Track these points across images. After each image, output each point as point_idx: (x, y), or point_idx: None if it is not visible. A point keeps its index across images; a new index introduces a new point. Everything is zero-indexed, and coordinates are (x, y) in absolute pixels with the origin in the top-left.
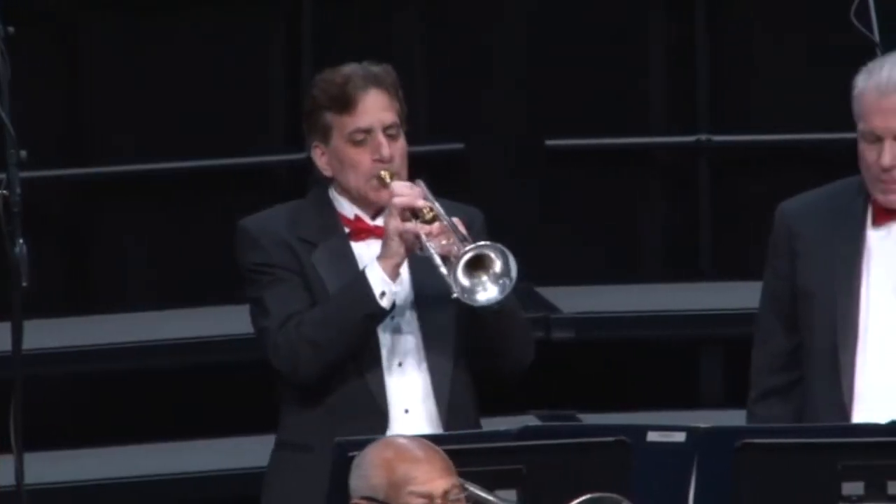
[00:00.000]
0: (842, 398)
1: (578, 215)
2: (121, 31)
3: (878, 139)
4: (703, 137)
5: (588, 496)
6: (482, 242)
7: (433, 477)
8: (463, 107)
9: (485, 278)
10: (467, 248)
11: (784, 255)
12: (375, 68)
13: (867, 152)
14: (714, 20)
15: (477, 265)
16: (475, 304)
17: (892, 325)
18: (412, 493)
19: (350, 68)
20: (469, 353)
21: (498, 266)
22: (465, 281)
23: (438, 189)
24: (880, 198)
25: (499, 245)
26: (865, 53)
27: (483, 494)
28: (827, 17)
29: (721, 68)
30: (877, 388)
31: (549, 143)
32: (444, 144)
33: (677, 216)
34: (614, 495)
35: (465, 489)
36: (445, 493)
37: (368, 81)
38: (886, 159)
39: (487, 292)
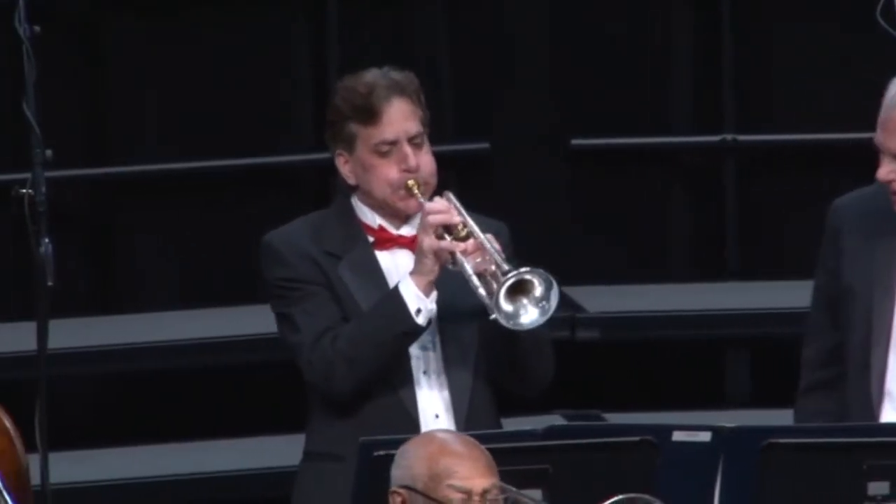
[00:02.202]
0: (870, 396)
1: (604, 215)
2: (143, 30)
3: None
4: (729, 137)
5: (622, 496)
6: (525, 268)
7: (474, 474)
8: (488, 106)
9: (525, 301)
10: (511, 273)
11: (832, 251)
12: (397, 75)
13: (880, 160)
14: (739, 19)
15: (517, 289)
16: (519, 329)
17: None
18: (451, 487)
19: (372, 76)
20: (491, 369)
21: (539, 290)
22: (507, 306)
23: (464, 189)
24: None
25: (541, 270)
26: (891, 53)
27: (524, 498)
28: (852, 17)
29: (746, 68)
30: None
31: (575, 142)
32: (470, 144)
33: (703, 216)
34: (647, 497)
35: (505, 491)
36: (484, 492)
37: (392, 91)
38: (881, 173)
39: (529, 315)
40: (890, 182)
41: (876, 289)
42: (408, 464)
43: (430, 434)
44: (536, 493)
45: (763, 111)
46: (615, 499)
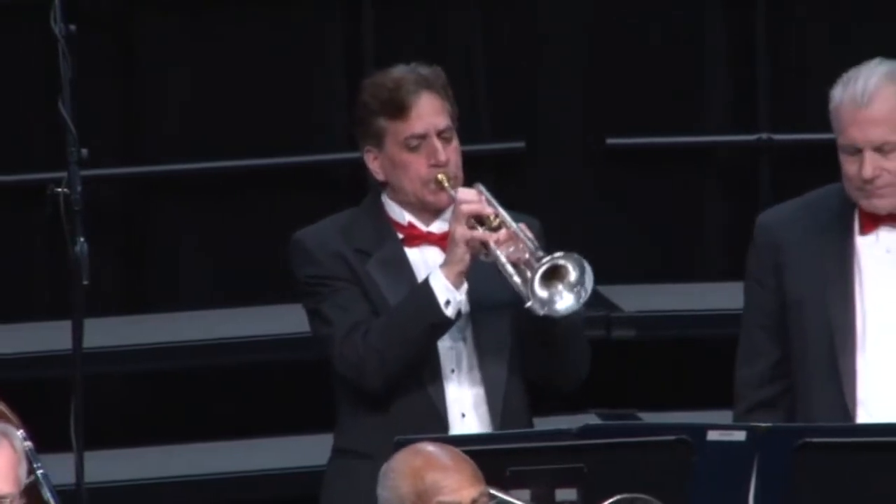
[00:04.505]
0: (844, 403)
1: (639, 214)
2: (177, 29)
3: (857, 151)
4: (764, 136)
5: (619, 496)
6: (558, 253)
7: (462, 485)
8: (524, 105)
9: (560, 287)
10: (545, 259)
11: (769, 268)
12: (425, 70)
13: (848, 164)
14: (774, 18)
15: (552, 275)
16: (554, 315)
17: (890, 329)
18: (441, 503)
19: (400, 72)
20: (527, 363)
21: (573, 275)
22: (542, 292)
23: (500, 188)
24: (864, 203)
25: (575, 254)
26: None
27: (509, 499)
28: (888, 16)
29: (781, 67)
30: (880, 392)
31: (610, 141)
32: (506, 143)
33: (738, 215)
34: (646, 497)
35: (493, 496)
36: (473, 502)
37: (420, 85)
38: (868, 171)
39: (564, 301)
40: (876, 177)
41: (832, 298)
42: (393, 484)
43: (413, 449)
44: (572, 492)
45: (798, 110)
46: (616, 498)
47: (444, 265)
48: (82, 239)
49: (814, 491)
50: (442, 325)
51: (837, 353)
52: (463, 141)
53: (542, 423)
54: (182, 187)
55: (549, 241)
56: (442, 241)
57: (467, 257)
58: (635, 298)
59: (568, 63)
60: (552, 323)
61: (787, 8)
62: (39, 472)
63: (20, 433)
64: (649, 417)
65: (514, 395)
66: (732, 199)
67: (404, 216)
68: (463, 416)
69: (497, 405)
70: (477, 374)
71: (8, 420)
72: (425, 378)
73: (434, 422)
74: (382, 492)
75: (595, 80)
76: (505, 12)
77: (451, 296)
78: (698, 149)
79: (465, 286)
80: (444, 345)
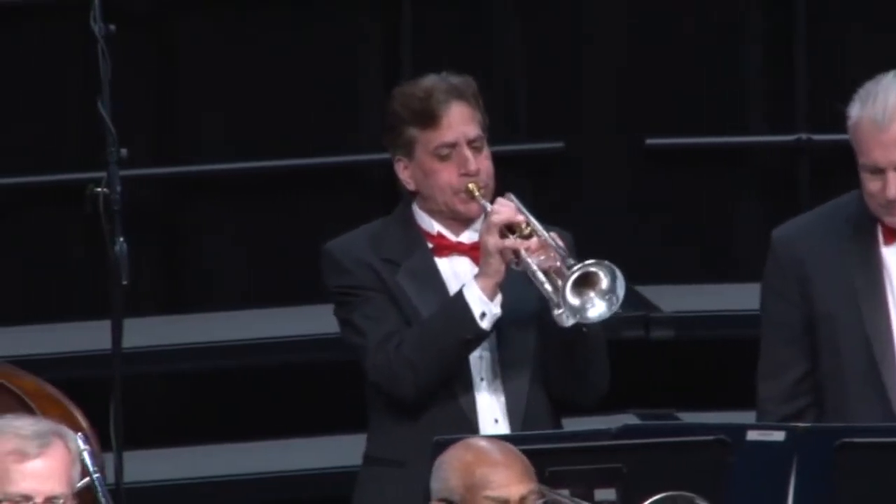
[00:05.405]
0: (893, 413)
1: (678, 214)
2: (215, 30)
3: (879, 171)
4: (803, 137)
5: (660, 495)
6: (589, 261)
7: (511, 482)
8: (563, 106)
9: (592, 294)
10: (576, 266)
11: (792, 282)
12: (456, 79)
13: (870, 183)
14: (813, 17)
15: (583, 283)
16: (586, 322)
17: None
18: (488, 498)
19: (430, 81)
20: (548, 376)
21: (605, 283)
22: (573, 300)
23: (538, 188)
24: (888, 220)
25: (606, 262)
26: None
27: (564, 500)
28: None
29: (820, 66)
30: None
31: (649, 142)
32: (545, 143)
33: (777, 216)
34: (688, 494)
35: (545, 495)
36: (522, 499)
37: (451, 95)
38: (892, 191)
39: (596, 308)
40: None
41: (866, 310)
42: (444, 476)
43: (466, 443)
44: (610, 492)
45: (837, 110)
46: (655, 498)
47: (478, 277)
48: (121, 239)
49: (853, 491)
50: (477, 337)
51: (879, 364)
52: (501, 141)
53: (581, 424)
54: (219, 187)
55: (587, 242)
56: (472, 251)
57: (502, 268)
58: (674, 299)
59: (607, 63)
60: (580, 335)
61: (826, 7)
62: (96, 475)
63: (79, 436)
64: (688, 417)
65: (536, 407)
66: (771, 199)
67: (434, 226)
68: (496, 421)
69: (518, 417)
70: (500, 386)
71: (75, 422)
72: (456, 386)
73: (465, 429)
74: (434, 483)
75: (634, 81)
76: (544, 12)
77: (486, 308)
78: (737, 149)
79: (499, 297)
80: (473, 355)
